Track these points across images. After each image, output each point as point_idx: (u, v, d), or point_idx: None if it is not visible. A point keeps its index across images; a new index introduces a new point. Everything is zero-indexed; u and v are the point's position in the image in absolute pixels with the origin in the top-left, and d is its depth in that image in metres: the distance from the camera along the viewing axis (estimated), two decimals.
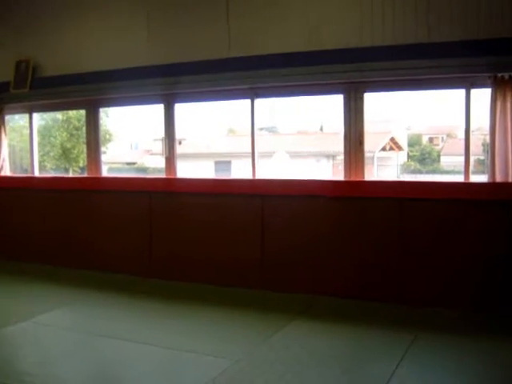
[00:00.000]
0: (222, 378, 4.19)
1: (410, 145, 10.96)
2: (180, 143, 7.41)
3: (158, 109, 7.39)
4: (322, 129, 11.10)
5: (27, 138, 8.65)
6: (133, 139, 11.52)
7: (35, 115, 8.57)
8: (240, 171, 10.48)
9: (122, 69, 7.42)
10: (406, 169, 10.74)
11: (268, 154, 8.44)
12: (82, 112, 8.48)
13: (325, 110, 9.51)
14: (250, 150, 6.81)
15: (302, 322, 5.50)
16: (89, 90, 7.66)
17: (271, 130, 11.01)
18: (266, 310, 5.90)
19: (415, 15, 5.84)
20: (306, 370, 4.34)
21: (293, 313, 5.75)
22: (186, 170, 7.51)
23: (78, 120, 10.21)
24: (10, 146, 8.80)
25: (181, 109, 7.28)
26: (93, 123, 7.92)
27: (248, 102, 6.77)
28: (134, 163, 12.05)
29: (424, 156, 10.93)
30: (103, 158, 8.00)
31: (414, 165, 10.73)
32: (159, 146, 7.81)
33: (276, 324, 5.42)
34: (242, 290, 6.60)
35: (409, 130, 11.16)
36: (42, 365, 4.58)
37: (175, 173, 7.29)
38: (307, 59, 6.23)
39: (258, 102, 6.76)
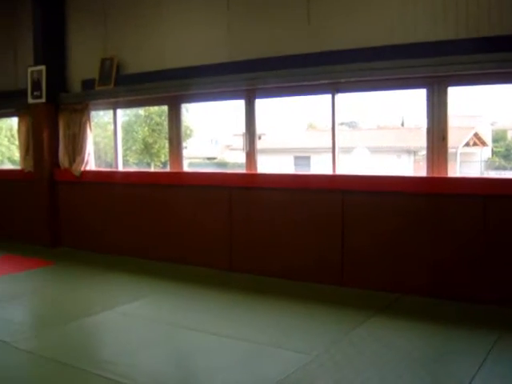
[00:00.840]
0: (300, 373, 4.18)
1: (495, 140, 10.63)
2: (260, 138, 7.43)
3: (239, 104, 7.44)
4: (403, 124, 10.90)
5: (111, 133, 8.89)
6: (213, 134, 11.64)
7: (119, 111, 8.79)
8: (319, 166, 10.43)
9: (203, 65, 7.52)
10: (490, 165, 10.42)
11: (348, 150, 8.35)
12: (163, 108, 8.63)
13: (406, 105, 9.32)
14: (330, 145, 6.76)
15: (382, 319, 5.42)
16: (170, 87, 7.79)
17: (351, 125, 10.91)
18: (345, 306, 5.85)
19: (500, 5, 5.64)
20: (385, 368, 4.27)
21: (373, 309, 5.68)
22: (266, 165, 7.52)
23: (159, 116, 10.40)
24: (94, 141, 9.07)
25: (261, 104, 7.30)
26: (175, 119, 8.05)
27: (329, 96, 6.72)
28: (214, 158, 12.19)
29: (509, 152, 10.58)
30: (184, 152, 8.12)
31: (498, 161, 10.40)
32: (239, 141, 7.86)
33: (355, 320, 5.36)
34: (322, 285, 6.58)
35: (493, 126, 10.82)
36: (124, 354, 4.70)
37: (255, 168, 7.32)
38: (389, 53, 6.12)
39: (339, 96, 6.69)
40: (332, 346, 4.74)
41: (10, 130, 11.79)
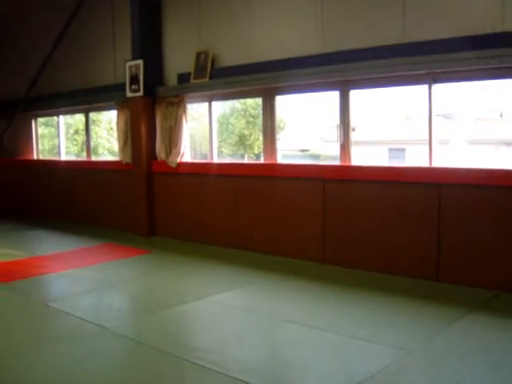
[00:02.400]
0: (393, 368, 4.12)
1: None
2: (354, 130, 7.35)
3: (333, 96, 7.38)
4: (501, 115, 10.53)
5: (206, 125, 9.02)
6: (306, 126, 11.61)
7: (214, 104, 8.91)
8: (415, 159, 10.22)
9: (296, 57, 7.51)
10: None
11: (444, 142, 8.13)
12: (258, 100, 8.69)
13: (505, 96, 8.98)
14: (426, 137, 6.60)
15: (479, 316, 5.25)
16: (264, 79, 7.83)
17: (448, 117, 10.62)
18: (440, 302, 5.70)
19: None
20: (480, 367, 4.13)
21: (469, 306, 5.51)
22: (360, 157, 7.43)
23: (254, 108, 10.48)
24: (190, 133, 9.24)
25: (356, 95, 7.22)
26: (269, 111, 8.08)
27: (425, 87, 6.56)
28: (307, 150, 12.16)
29: None
30: (277, 144, 8.14)
31: None
32: (333, 133, 7.81)
33: (451, 316, 5.22)
34: (417, 280, 6.45)
35: None
36: (216, 342, 4.78)
37: (349, 160, 7.25)
38: (494, 41, 5.85)
39: (436, 87, 6.52)
40: (426, 342, 4.64)
41: (109, 122, 12.20)
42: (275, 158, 8.07)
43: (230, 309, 5.69)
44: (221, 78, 8.38)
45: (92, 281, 6.92)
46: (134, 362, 4.53)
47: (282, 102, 8.16)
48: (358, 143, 7.66)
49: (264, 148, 8.22)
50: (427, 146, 6.58)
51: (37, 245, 9.58)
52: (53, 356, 4.64)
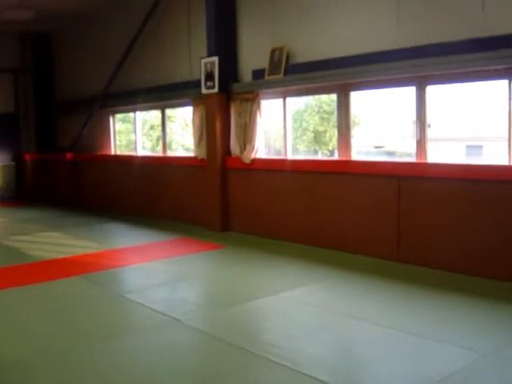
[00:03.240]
0: (467, 371, 4.02)
1: None
2: (430, 126, 7.20)
3: (409, 91, 7.26)
4: None
5: (280, 122, 9.03)
6: (381, 123, 11.46)
7: (288, 100, 8.91)
8: (493, 156, 9.93)
9: (371, 52, 7.42)
10: None
11: None
12: (332, 96, 8.64)
13: None
14: (504, 134, 6.41)
15: None
16: (339, 75, 7.77)
17: None
18: None
19: None
20: None
21: None
22: (436, 154, 7.28)
23: (329, 104, 10.42)
24: (264, 129, 9.28)
25: (432, 91, 7.08)
26: (344, 107, 8.03)
27: (505, 82, 6.36)
28: (381, 147, 11.99)
29: None
30: (352, 141, 8.08)
31: None
32: (408, 130, 7.67)
33: None
34: (489, 280, 6.28)
35: None
36: (288, 338, 4.79)
37: (426, 157, 7.12)
38: None
39: None
40: (503, 345, 4.52)
41: (184, 118, 12.37)
42: (350, 155, 8.01)
43: (302, 305, 5.69)
44: (295, 74, 8.37)
45: (167, 274, 7.06)
46: (206, 355, 4.60)
47: (357, 98, 8.09)
48: (434, 140, 7.50)
49: (338, 144, 8.17)
50: (506, 143, 6.39)
51: (113, 238, 9.85)
52: (128, 347, 4.77)
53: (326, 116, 10.21)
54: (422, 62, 6.83)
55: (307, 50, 8.34)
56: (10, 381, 4.13)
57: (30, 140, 15.70)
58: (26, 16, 12.91)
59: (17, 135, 15.69)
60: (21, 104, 15.66)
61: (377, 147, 11.93)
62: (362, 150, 9.82)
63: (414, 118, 7.18)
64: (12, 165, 15.67)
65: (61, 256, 8.17)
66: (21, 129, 15.73)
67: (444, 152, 9.84)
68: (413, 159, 7.26)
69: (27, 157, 15.50)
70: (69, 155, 14.27)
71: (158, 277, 6.95)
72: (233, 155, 9.44)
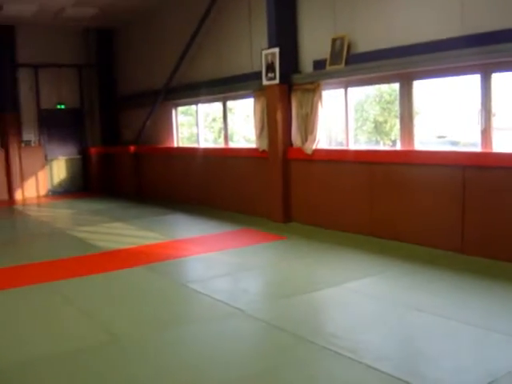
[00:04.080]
0: None
1: None
2: (494, 115, 7.02)
3: (474, 80, 7.10)
4: None
5: (342, 112, 8.96)
6: (444, 112, 11.26)
7: (350, 90, 8.83)
8: None
9: (435, 40, 7.28)
10: None
11: None
12: (393, 86, 8.53)
13: None
14: None
15: None
16: (402, 64, 7.66)
17: None
18: None
19: None
20: None
21: None
22: (502, 144, 7.09)
23: (389, 94, 10.28)
24: (325, 120, 9.23)
25: (499, 79, 6.90)
26: (406, 96, 7.91)
27: None
28: (444, 136, 11.77)
29: None
30: (415, 131, 7.96)
31: None
32: (472, 119, 7.51)
33: None
34: None
35: None
36: (349, 330, 4.78)
37: (491, 146, 6.95)
38: None
39: None
40: None
41: (245, 110, 12.41)
42: (412, 145, 7.90)
43: (364, 296, 5.66)
44: (357, 63, 8.29)
45: (229, 264, 7.13)
46: (269, 345, 4.64)
47: (420, 87, 7.95)
48: (499, 129, 7.32)
49: (401, 134, 8.06)
50: None
51: (176, 229, 9.99)
52: (191, 335, 4.86)
53: (386, 106, 10.08)
54: (487, 50, 6.65)
55: (369, 39, 8.25)
56: (83, 367, 4.27)
57: (94, 134, 16.06)
58: (89, 13, 13.20)
59: (82, 129, 16.08)
60: (85, 99, 16.03)
61: (439, 137, 11.71)
62: (425, 140, 9.68)
63: (479, 107, 7.01)
64: (78, 158, 16.07)
65: (125, 246, 8.35)
66: (86, 123, 16.11)
67: (510, 141, 9.59)
68: (477, 149, 7.10)
69: (92, 150, 15.87)
70: (132, 148, 14.54)
71: (220, 267, 7.03)
72: (294, 146, 9.44)
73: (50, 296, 6.12)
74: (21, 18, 13.55)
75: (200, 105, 12.53)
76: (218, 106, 11.96)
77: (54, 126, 15.63)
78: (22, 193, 15.10)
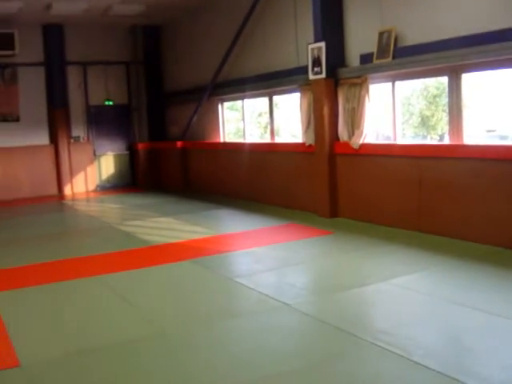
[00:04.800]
0: None
1: None
2: None
3: None
4: None
5: (389, 106, 8.88)
6: (493, 105, 11.05)
7: (397, 84, 8.73)
8: None
9: (483, 32, 7.14)
10: None
11: None
12: (440, 79, 8.41)
13: None
14: None
15: None
16: (450, 57, 7.54)
17: None
18: None
19: None
20: None
21: None
22: None
23: (436, 88, 10.14)
24: (372, 114, 9.15)
25: None
26: (455, 90, 7.78)
27: None
28: (493, 130, 11.55)
29: None
30: (464, 124, 7.83)
31: None
32: None
33: None
34: None
35: None
36: (397, 325, 4.73)
37: None
38: None
39: None
40: None
41: (291, 105, 12.39)
42: (461, 139, 7.77)
43: (412, 292, 5.60)
44: (404, 57, 8.19)
45: (275, 259, 7.14)
46: (315, 339, 4.64)
47: (469, 80, 7.82)
48: None
49: (449, 128, 7.94)
50: None
51: (222, 223, 10.05)
52: (237, 329, 4.89)
53: (433, 100, 9.94)
54: None
55: (416, 32, 8.13)
56: (132, 359, 4.35)
57: (142, 130, 16.24)
58: (136, 10, 13.35)
59: (130, 125, 16.29)
60: (133, 95, 16.22)
61: (489, 131, 11.50)
62: (474, 134, 9.53)
63: None
64: (126, 154, 16.29)
65: (172, 241, 8.44)
66: (133, 119, 16.30)
67: None
68: None
69: (140, 146, 16.06)
70: (179, 143, 14.67)
71: (266, 262, 7.05)
72: (341, 141, 9.39)
73: (100, 289, 6.24)
74: (69, 17, 13.78)
75: (246, 100, 12.55)
76: (264, 100, 11.97)
77: (102, 122, 15.88)
78: (71, 188, 15.40)
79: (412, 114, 10.19)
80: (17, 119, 14.85)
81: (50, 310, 5.65)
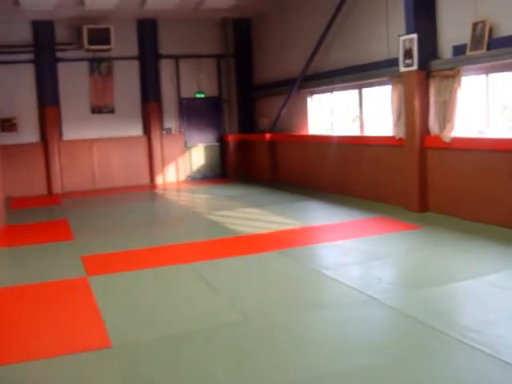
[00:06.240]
0: None
1: None
2: None
3: None
4: None
5: (481, 99, 8.66)
6: None
7: (491, 76, 8.50)
8: None
9: None
10: None
11: None
12: None
13: None
14: None
15: None
16: None
17: None
18: None
19: None
20: None
21: None
22: None
23: None
24: (464, 107, 8.95)
25: None
26: None
27: None
28: None
29: None
30: None
31: None
32: None
33: None
34: None
35: None
36: (486, 323, 4.64)
37: None
38: None
39: None
40: None
41: (381, 98, 12.26)
42: None
43: (502, 289, 5.47)
44: (499, 48, 7.95)
45: (362, 252, 7.13)
46: (401, 335, 4.62)
47: None
48: None
49: None
50: None
51: (309, 215, 10.09)
52: (323, 321, 4.94)
53: None
54: None
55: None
56: (219, 344, 4.49)
57: (232, 122, 16.47)
58: (227, 4, 13.52)
59: (220, 117, 16.53)
60: (223, 88, 16.45)
61: None
62: None
63: None
64: (216, 145, 16.55)
65: (260, 231, 8.57)
66: (224, 111, 16.54)
67: None
68: None
69: (229, 137, 16.28)
70: (268, 135, 14.77)
71: (353, 255, 7.04)
72: (432, 134, 9.22)
73: (189, 276, 6.45)
74: (162, 11, 14.12)
75: (335, 92, 12.51)
76: (353, 93, 11.90)
77: (194, 114, 16.20)
78: (163, 178, 15.80)
79: (505, 108, 9.90)
80: (112, 111, 15.39)
81: (141, 295, 5.88)
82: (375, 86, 11.18)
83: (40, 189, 14.62)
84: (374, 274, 6.19)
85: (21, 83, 14.41)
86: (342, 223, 8.98)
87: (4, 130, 14.11)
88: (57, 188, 14.71)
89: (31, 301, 5.80)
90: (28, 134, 14.65)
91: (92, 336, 4.79)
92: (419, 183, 9.39)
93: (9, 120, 14.32)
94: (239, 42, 16.17)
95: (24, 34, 14.31)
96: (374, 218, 9.24)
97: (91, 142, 15.15)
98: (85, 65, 15.01)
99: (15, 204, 12.81)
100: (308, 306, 5.32)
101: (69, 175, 14.91)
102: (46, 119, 14.61)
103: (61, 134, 14.88)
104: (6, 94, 13.83)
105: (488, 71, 8.43)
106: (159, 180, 15.73)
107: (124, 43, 15.00)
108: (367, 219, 9.17)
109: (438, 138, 9.04)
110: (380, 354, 4.18)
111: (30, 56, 14.47)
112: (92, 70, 15.08)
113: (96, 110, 15.26)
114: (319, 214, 10.06)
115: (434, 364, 3.96)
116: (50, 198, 14.02)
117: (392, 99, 10.08)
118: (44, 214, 11.51)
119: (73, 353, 4.44)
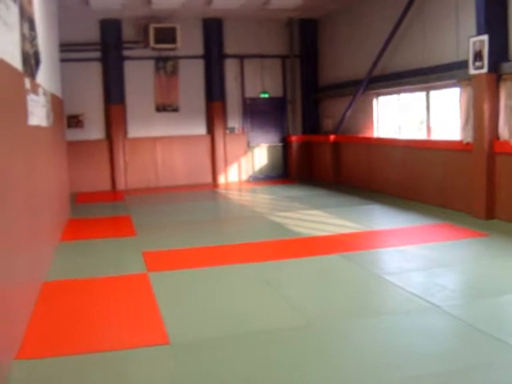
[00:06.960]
0: None
1: None
2: None
3: None
4: None
5: None
6: None
7: None
8: None
9: None
10: None
11: None
12: None
13: None
14: None
15: None
16: None
17: None
18: None
19: None
20: None
21: None
22: None
23: None
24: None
25: None
26: None
27: None
28: None
29: None
30: None
31: None
32: None
33: None
34: None
35: None
36: None
37: None
38: None
39: None
40: None
41: (449, 101, 12.00)
42: None
43: None
44: None
45: (425, 259, 6.97)
46: (463, 344, 4.48)
47: None
48: None
49: None
50: None
51: (373, 219, 9.93)
52: (384, 327, 4.84)
53: None
54: None
55: None
56: (280, 347, 4.45)
57: (296, 122, 16.43)
58: (293, 4, 13.46)
59: (284, 118, 16.50)
60: (288, 88, 16.41)
61: None
62: None
63: None
64: (279, 146, 16.52)
65: (322, 234, 8.49)
66: (288, 112, 16.50)
67: None
68: None
69: (293, 138, 16.23)
70: (332, 137, 14.66)
71: (416, 261, 6.90)
72: (501, 139, 8.95)
73: (250, 277, 6.43)
74: (228, 11, 14.20)
75: (402, 95, 12.31)
76: (421, 96, 11.68)
77: (257, 114, 16.22)
78: (225, 177, 15.88)
79: None
80: (176, 109, 15.55)
81: (201, 294, 5.89)
82: (443, 88, 10.93)
83: (104, 185, 14.92)
84: (438, 282, 6.03)
85: (88, 81, 14.74)
86: (405, 228, 8.80)
87: (71, 126, 14.44)
88: (120, 184, 14.98)
89: (92, 295, 5.90)
90: (94, 130, 14.97)
91: (150, 332, 4.81)
92: (487, 189, 9.13)
93: (75, 117, 14.67)
94: (305, 43, 16.11)
95: (92, 33, 14.63)
96: (439, 224, 9.02)
97: (155, 140, 15.36)
98: (151, 63, 15.23)
99: (80, 199, 13.12)
100: (370, 312, 5.23)
101: (132, 172, 15.15)
102: (111, 116, 14.90)
103: (125, 132, 15.14)
104: (73, 91, 14.10)
105: None
106: (221, 179, 15.81)
107: (189, 42, 15.14)
108: (432, 225, 8.97)
109: (507, 144, 8.77)
110: (439, 364, 4.06)
111: (98, 54, 14.79)
112: (157, 69, 15.27)
113: (160, 108, 15.45)
114: (382, 218, 9.90)
115: (495, 377, 3.83)
116: (114, 194, 14.29)
117: (460, 102, 9.83)
118: (107, 210, 11.75)
119: (130, 348, 4.48)
